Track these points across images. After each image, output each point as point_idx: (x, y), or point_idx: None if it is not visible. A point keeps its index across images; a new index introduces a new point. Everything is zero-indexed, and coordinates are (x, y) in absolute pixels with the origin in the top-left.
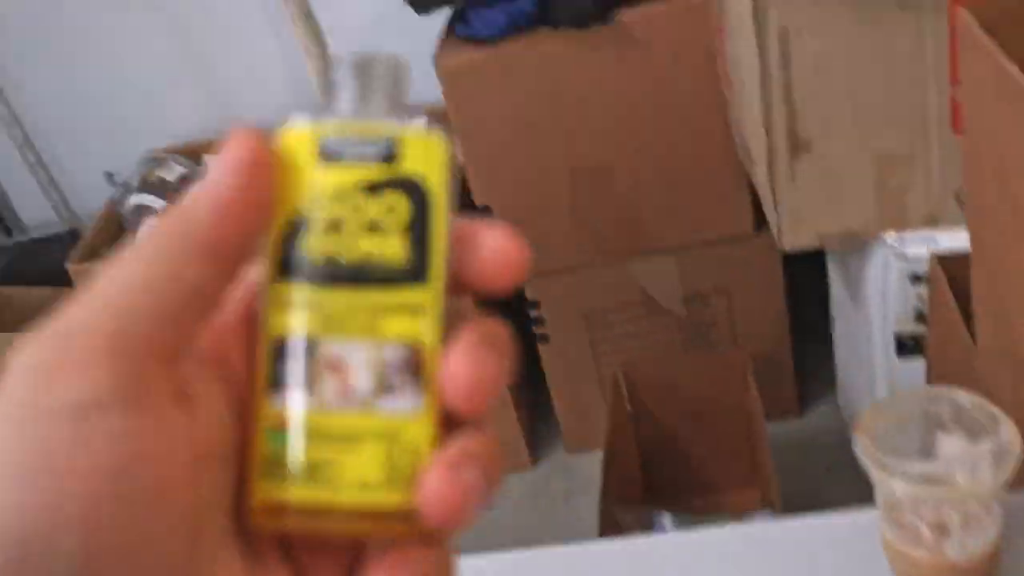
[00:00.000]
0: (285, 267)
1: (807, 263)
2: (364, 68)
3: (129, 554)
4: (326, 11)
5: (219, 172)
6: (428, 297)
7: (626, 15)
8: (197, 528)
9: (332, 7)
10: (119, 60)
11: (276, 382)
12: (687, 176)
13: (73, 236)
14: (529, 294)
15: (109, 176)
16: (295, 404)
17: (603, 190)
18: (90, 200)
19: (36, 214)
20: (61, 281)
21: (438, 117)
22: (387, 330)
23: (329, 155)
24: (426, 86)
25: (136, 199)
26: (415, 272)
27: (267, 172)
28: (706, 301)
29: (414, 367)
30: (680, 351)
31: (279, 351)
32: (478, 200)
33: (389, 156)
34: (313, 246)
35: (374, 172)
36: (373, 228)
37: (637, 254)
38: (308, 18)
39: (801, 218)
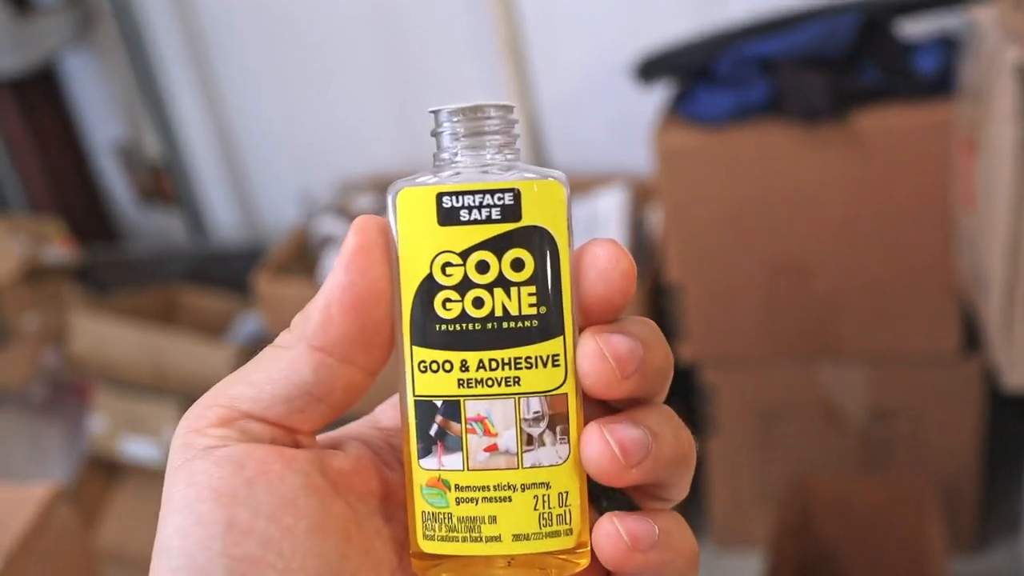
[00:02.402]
0: (421, 330)
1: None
2: (472, 116)
3: None
4: (540, 67)
5: (332, 272)
6: (563, 345)
7: (862, 118)
8: None
9: (546, 66)
10: (329, 89)
11: (425, 442)
12: (892, 288)
13: (255, 249)
14: (708, 379)
15: (302, 197)
16: (444, 464)
17: (802, 288)
18: (277, 217)
19: (225, 222)
20: (240, 291)
21: (641, 186)
22: (527, 384)
23: (450, 215)
24: (631, 152)
25: (324, 224)
26: (549, 324)
27: (377, 258)
28: (892, 419)
29: (558, 417)
30: (854, 467)
31: (425, 412)
32: (672, 275)
33: (508, 209)
34: (445, 308)
35: (497, 227)
36: (503, 284)
37: (826, 359)
38: (520, 77)
39: None
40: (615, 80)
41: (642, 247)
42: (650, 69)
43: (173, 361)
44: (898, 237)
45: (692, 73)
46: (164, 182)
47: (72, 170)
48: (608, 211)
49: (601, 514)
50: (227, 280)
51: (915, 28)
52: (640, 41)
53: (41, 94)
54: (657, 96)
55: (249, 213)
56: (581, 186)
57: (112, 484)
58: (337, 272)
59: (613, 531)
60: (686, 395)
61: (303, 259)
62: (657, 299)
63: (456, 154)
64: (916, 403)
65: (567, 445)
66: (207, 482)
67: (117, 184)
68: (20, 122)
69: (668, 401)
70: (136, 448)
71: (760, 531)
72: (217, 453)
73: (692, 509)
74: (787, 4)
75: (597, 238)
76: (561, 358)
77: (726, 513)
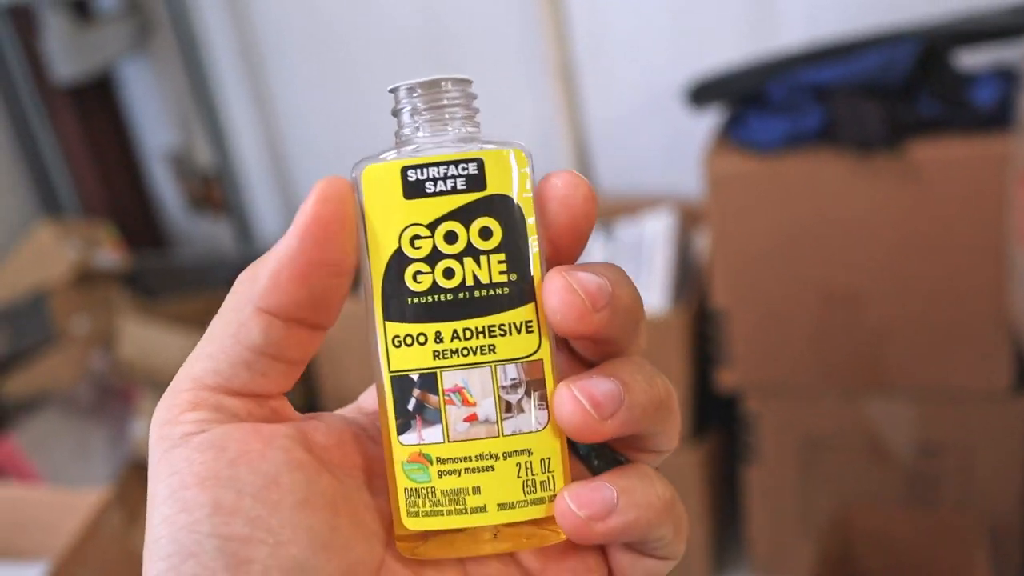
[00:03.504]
0: (392, 305)
1: None
2: (430, 91)
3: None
4: (591, 88)
5: (286, 236)
6: (535, 311)
7: (917, 149)
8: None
9: (597, 87)
10: (378, 102)
11: (403, 417)
12: (944, 322)
13: None
14: (751, 407)
15: None
16: (424, 438)
17: (851, 319)
18: None
19: (272, 232)
20: None
21: (689, 210)
22: (503, 352)
23: (415, 188)
24: (679, 176)
25: None
26: (521, 290)
27: (334, 231)
28: (940, 455)
29: (534, 383)
30: (899, 502)
31: (402, 387)
32: (718, 300)
33: (473, 179)
34: (416, 280)
35: (463, 197)
36: (472, 253)
37: (873, 391)
38: (570, 98)
39: None
40: (666, 103)
41: (688, 271)
42: (702, 93)
43: None
44: (951, 270)
45: (744, 98)
46: (214, 190)
47: (125, 176)
48: (655, 234)
49: (595, 474)
50: None
51: (973, 59)
52: (692, 65)
53: (98, 101)
54: (708, 121)
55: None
56: (629, 208)
57: None
58: (291, 238)
59: (565, 508)
60: (728, 422)
61: None
62: (702, 324)
63: (417, 129)
64: (964, 439)
65: (546, 411)
66: (189, 468)
67: (168, 191)
68: (77, 128)
69: (708, 427)
70: None
71: (801, 562)
72: (196, 440)
73: (731, 537)
74: (843, 32)
75: (553, 171)
76: (534, 324)
77: (766, 542)
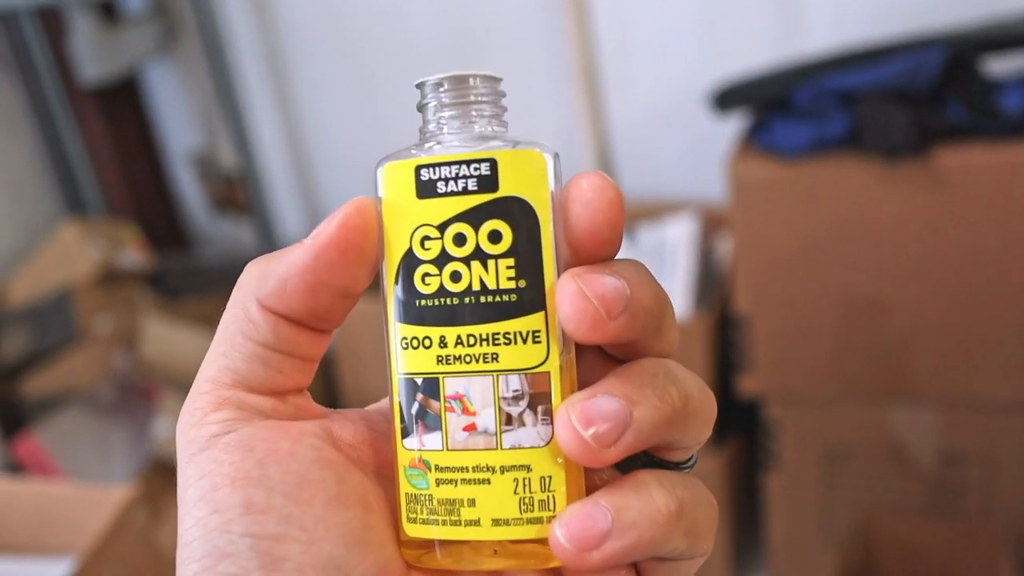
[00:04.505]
0: (403, 306)
1: None
2: (456, 86)
3: None
4: (614, 92)
5: (302, 248)
6: (545, 321)
7: (944, 155)
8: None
9: (621, 91)
10: (402, 105)
11: (406, 421)
12: (969, 330)
13: None
14: (772, 414)
15: None
16: (425, 444)
17: (875, 326)
18: None
19: (295, 233)
20: None
21: (712, 215)
22: (506, 361)
23: (427, 187)
24: (703, 181)
25: None
26: (529, 298)
27: (350, 258)
28: (964, 464)
29: (538, 397)
30: (922, 511)
31: (407, 390)
32: (740, 306)
33: (485, 179)
34: (424, 282)
35: (473, 199)
36: (480, 257)
37: (897, 399)
38: (594, 101)
39: None
40: (690, 108)
41: (711, 277)
42: (727, 98)
43: None
44: (976, 278)
45: (769, 104)
46: (237, 191)
47: (149, 177)
48: (677, 239)
49: (622, 472)
50: None
51: (1001, 66)
52: (716, 70)
53: (123, 102)
54: (732, 126)
55: (318, 224)
56: (651, 213)
57: (173, 487)
58: (306, 254)
59: (555, 539)
60: (750, 429)
61: None
62: (724, 330)
63: (441, 126)
64: (988, 448)
65: (550, 426)
66: (218, 470)
67: (191, 192)
68: (102, 129)
69: (729, 433)
70: None
71: (821, 571)
72: (223, 441)
73: (751, 545)
74: (869, 37)
75: (582, 172)
76: (543, 334)
77: (786, 550)
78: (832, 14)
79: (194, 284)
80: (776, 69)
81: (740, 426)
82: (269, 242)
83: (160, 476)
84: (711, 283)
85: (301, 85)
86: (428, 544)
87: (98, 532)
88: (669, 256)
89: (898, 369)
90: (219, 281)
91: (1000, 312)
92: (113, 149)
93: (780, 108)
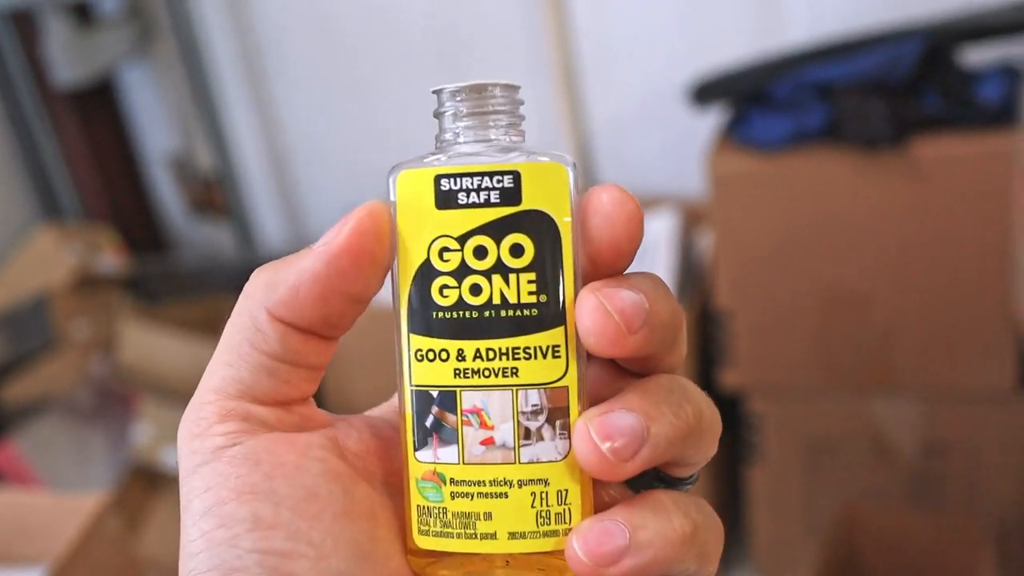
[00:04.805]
0: (418, 317)
1: None
2: (475, 95)
3: None
4: (594, 88)
5: (313, 254)
6: (564, 336)
7: (921, 147)
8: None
9: (600, 87)
10: (379, 104)
11: (420, 433)
12: (949, 321)
13: None
14: (755, 407)
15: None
16: (440, 457)
17: (855, 318)
18: (325, 231)
19: (274, 235)
20: None
21: (692, 210)
22: (525, 376)
23: (447, 198)
24: (682, 176)
25: None
26: (550, 313)
27: (363, 264)
28: (945, 455)
29: (557, 411)
30: (904, 502)
31: (422, 402)
32: (721, 301)
33: (508, 192)
34: (442, 294)
35: (495, 211)
36: (501, 270)
37: (878, 391)
38: (573, 98)
39: None
40: (668, 103)
41: (691, 271)
42: (705, 92)
43: None
44: (956, 269)
45: (748, 97)
46: (215, 194)
47: (126, 180)
48: (658, 234)
49: (635, 491)
50: None
51: (978, 56)
52: (695, 65)
53: (99, 105)
54: (711, 120)
55: (298, 226)
56: None
57: (154, 493)
58: (318, 260)
59: (573, 552)
60: (732, 423)
61: None
62: (705, 324)
63: (458, 135)
64: (970, 439)
65: (567, 441)
66: (224, 483)
67: (169, 195)
68: (78, 132)
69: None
70: None
71: (804, 563)
72: (228, 453)
73: (734, 537)
74: (847, 29)
75: (602, 184)
76: (562, 349)
77: (770, 544)
78: (809, 7)
79: (172, 288)
80: (754, 62)
81: (722, 420)
82: (248, 244)
83: (140, 482)
84: (692, 278)
85: (278, 86)
86: (437, 553)
87: (70, 540)
88: (649, 251)
89: (879, 361)
90: (198, 285)
91: (980, 302)
92: (89, 152)
93: (758, 101)
